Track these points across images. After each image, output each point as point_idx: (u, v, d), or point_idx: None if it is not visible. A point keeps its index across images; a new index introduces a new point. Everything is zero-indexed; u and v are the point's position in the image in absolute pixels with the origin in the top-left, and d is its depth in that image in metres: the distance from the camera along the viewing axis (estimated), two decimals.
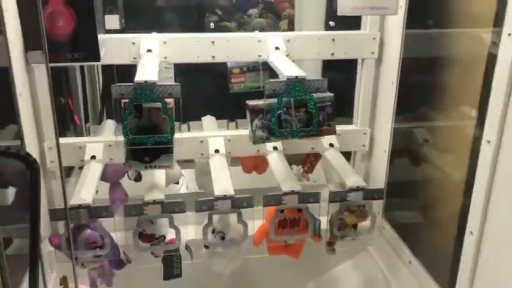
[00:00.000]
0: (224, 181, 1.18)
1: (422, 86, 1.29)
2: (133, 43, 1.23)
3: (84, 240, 1.14)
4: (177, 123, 1.35)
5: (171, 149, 1.08)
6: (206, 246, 1.19)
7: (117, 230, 1.20)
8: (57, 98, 1.62)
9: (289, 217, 1.20)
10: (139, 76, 1.03)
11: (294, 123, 1.10)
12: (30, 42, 0.95)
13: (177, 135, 1.16)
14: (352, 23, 1.36)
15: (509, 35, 0.83)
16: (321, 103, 1.11)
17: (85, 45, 0.97)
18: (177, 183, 1.55)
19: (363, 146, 1.43)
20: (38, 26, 0.95)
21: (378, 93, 1.39)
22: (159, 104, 1.03)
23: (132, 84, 1.01)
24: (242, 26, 1.95)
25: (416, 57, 1.28)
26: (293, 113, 1.09)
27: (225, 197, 1.13)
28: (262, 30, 1.77)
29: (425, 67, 1.28)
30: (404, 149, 1.37)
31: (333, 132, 1.14)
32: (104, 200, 1.42)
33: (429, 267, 1.18)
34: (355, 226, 1.24)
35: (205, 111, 1.59)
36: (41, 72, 1.22)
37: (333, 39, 1.31)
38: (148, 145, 1.06)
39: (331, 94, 1.12)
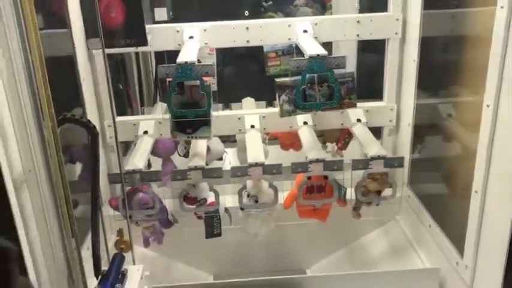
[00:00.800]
0: (256, 151, 1.33)
1: (443, 63, 1.37)
2: (177, 31, 1.40)
3: (137, 201, 1.32)
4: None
5: (209, 122, 1.24)
6: (242, 209, 1.34)
7: (165, 197, 1.38)
8: (116, 85, 1.83)
9: (316, 183, 1.33)
10: (181, 57, 1.20)
11: (318, 97, 1.23)
12: (90, 31, 1.13)
13: (216, 114, 1.33)
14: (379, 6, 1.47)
15: (501, 7, 0.92)
16: (341, 78, 1.23)
17: (135, 33, 1.15)
18: (221, 159, 1.71)
19: (390, 121, 1.53)
20: (95, 16, 1.14)
21: (403, 71, 1.48)
22: (198, 82, 1.19)
23: (174, 65, 1.18)
24: (288, 16, 2.09)
25: (436, 36, 1.36)
26: (316, 87, 1.22)
27: (256, 164, 1.28)
28: None
29: (444, 45, 1.36)
30: (426, 123, 1.46)
31: (354, 105, 1.25)
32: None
33: (445, 229, 1.27)
34: (378, 192, 1.35)
35: (245, 94, 1.74)
36: (101, 60, 1.42)
37: (358, 21, 1.42)
38: (189, 118, 1.22)
39: (352, 70, 1.24)
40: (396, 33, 1.43)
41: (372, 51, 1.83)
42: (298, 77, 1.21)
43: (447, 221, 1.28)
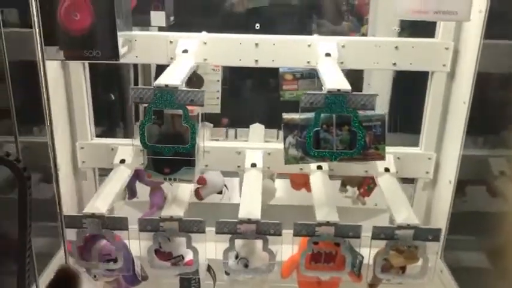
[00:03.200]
0: (252, 202, 1.05)
1: (501, 106, 1.07)
2: (171, 42, 1.14)
3: (98, 251, 1.06)
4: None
5: (193, 162, 0.97)
6: (227, 273, 1.06)
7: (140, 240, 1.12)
8: (107, 95, 1.58)
9: (324, 250, 1.04)
10: (161, 79, 0.93)
11: (335, 144, 0.94)
12: (47, 37, 0.88)
13: (206, 144, 1.06)
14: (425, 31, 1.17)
15: None
16: (368, 122, 0.94)
17: (103, 42, 0.89)
18: (220, 192, 1.44)
19: (426, 173, 1.23)
20: (55, 20, 0.88)
21: (448, 113, 1.18)
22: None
23: (151, 88, 0.91)
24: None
25: (497, 73, 1.06)
26: (334, 131, 0.94)
27: (249, 221, 1.00)
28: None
29: (507, 85, 1.06)
30: (474, 181, 1.16)
31: (381, 157, 0.96)
32: (142, 203, 1.36)
33: None
34: (403, 268, 1.05)
35: (254, 118, 1.46)
36: (77, 67, 1.17)
37: (396, 47, 1.12)
38: (167, 155, 0.96)
39: (382, 113, 0.95)
40: (444, 65, 1.13)
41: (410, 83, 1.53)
42: (311, 115, 0.93)
43: None
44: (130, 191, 1.34)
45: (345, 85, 0.91)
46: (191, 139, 0.94)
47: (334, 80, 0.94)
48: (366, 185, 1.39)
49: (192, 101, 0.92)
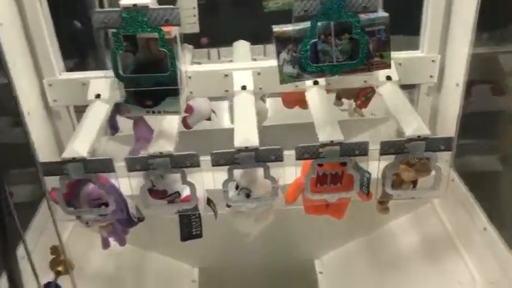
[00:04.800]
0: (247, 128, 0.96)
1: None
2: None
3: (86, 196, 0.98)
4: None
5: (177, 91, 0.86)
6: (228, 206, 0.99)
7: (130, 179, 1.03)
8: (72, 22, 1.42)
9: (330, 172, 0.97)
10: None
11: (335, 55, 0.83)
12: None
13: (189, 68, 0.95)
14: None
15: None
16: (370, 27, 0.82)
17: None
18: (209, 119, 1.35)
19: (430, 77, 1.13)
20: None
21: (451, 11, 1.06)
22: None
23: (117, 9, 0.78)
24: None
25: None
26: (333, 41, 0.82)
27: (247, 149, 0.91)
28: None
29: None
30: (484, 81, 1.07)
31: (387, 65, 0.86)
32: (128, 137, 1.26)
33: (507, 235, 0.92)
34: (414, 183, 0.99)
35: (237, 35, 1.33)
36: None
37: None
38: (146, 86, 0.85)
39: (385, 14, 0.83)
40: None
41: None
42: (305, 24, 0.81)
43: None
44: (112, 126, 1.24)
45: None
46: (171, 65, 0.82)
47: None
48: (363, 95, 1.30)
49: (167, 20, 0.79)
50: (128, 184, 0.99)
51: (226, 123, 1.45)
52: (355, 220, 1.21)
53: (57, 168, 0.91)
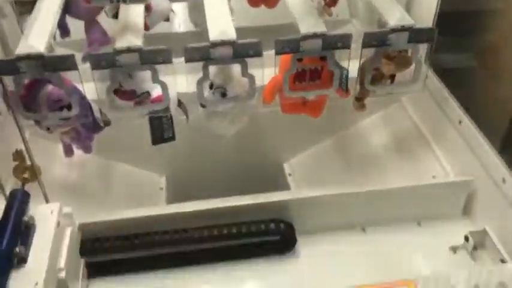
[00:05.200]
0: (222, 20, 0.88)
1: None
2: None
3: (45, 98, 0.89)
4: None
5: None
6: (202, 106, 0.94)
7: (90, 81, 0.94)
8: None
9: (309, 67, 0.92)
10: None
11: None
12: None
13: None
14: None
15: None
16: None
17: None
18: (168, 20, 1.24)
19: None
20: None
21: None
22: None
23: None
24: None
25: None
26: None
27: (224, 43, 0.84)
28: None
29: None
30: None
31: None
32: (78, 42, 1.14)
33: (486, 128, 0.93)
34: (392, 78, 0.97)
35: None
36: None
37: None
38: None
39: None
40: None
41: None
42: None
43: (490, 115, 0.93)
44: (61, 28, 1.11)
45: None
46: None
47: None
48: None
49: None
50: (90, 89, 0.91)
51: (187, 26, 1.35)
52: (325, 122, 1.20)
53: (10, 66, 0.81)
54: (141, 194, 1.22)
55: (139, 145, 1.12)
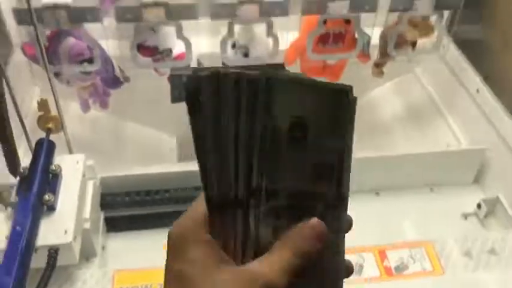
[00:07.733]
0: None
1: None
2: None
3: (67, 51, 0.88)
4: None
5: None
6: (224, 64, 0.93)
7: (109, 39, 0.94)
8: None
9: (334, 30, 0.92)
10: None
11: None
12: None
13: None
14: None
15: None
16: None
17: None
18: None
19: None
20: None
21: None
22: None
23: None
24: None
25: None
26: None
27: (250, 1, 0.83)
28: None
29: None
30: None
31: None
32: None
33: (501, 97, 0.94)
34: (413, 44, 0.97)
35: None
36: None
37: None
38: None
39: None
40: None
41: None
42: None
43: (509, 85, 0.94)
44: None
45: None
46: None
47: None
48: None
49: None
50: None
51: None
52: None
53: (37, 15, 0.79)
54: (152, 154, 1.21)
55: (152, 104, 1.12)
